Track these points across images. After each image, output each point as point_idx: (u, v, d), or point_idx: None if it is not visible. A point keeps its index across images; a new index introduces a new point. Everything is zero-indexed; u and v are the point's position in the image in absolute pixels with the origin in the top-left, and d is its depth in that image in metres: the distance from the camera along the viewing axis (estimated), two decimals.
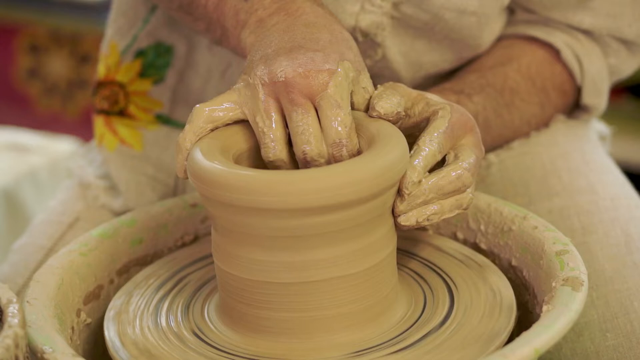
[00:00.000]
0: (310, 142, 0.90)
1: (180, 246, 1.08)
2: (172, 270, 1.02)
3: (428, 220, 0.92)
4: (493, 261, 1.01)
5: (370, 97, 0.95)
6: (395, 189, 0.90)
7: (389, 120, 0.93)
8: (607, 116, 1.36)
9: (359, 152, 0.91)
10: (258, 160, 0.94)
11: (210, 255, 0.95)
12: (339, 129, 0.90)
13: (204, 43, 1.23)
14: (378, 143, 0.89)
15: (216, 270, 0.93)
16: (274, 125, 0.91)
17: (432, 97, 0.96)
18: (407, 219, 0.92)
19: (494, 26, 1.20)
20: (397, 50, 1.17)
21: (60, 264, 0.98)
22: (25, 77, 3.42)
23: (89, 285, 1.00)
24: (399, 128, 0.93)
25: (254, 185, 0.85)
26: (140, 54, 1.25)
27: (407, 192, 0.91)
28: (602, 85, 1.22)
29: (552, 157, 1.21)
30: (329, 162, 0.91)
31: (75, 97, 3.38)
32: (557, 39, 1.20)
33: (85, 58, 3.32)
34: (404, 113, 0.94)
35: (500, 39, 1.22)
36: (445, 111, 0.94)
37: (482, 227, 1.03)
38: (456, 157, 0.93)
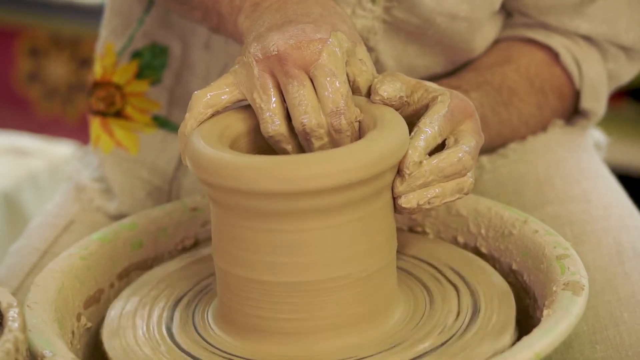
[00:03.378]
0: (307, 113, 0.89)
1: (181, 250, 1.08)
2: (172, 275, 1.02)
3: (429, 203, 0.91)
4: (493, 265, 1.01)
5: (371, 83, 0.94)
6: (394, 170, 0.90)
7: (391, 106, 0.92)
8: (607, 120, 1.36)
9: (359, 132, 0.91)
10: (260, 141, 0.94)
11: (210, 259, 0.95)
12: (335, 97, 0.89)
13: (199, 43, 1.23)
14: (379, 127, 0.89)
15: (216, 271, 0.93)
16: (271, 100, 0.91)
17: (430, 84, 0.95)
18: (408, 201, 0.91)
19: (487, 30, 1.19)
20: (389, 54, 1.17)
21: (61, 267, 0.98)
22: (26, 80, 3.43)
23: (89, 289, 1.00)
24: None
25: (250, 171, 0.85)
26: (136, 55, 1.25)
27: (407, 172, 0.89)
28: (601, 89, 1.22)
29: (546, 165, 1.20)
30: (328, 132, 0.90)
31: (75, 100, 3.38)
32: (556, 42, 1.20)
33: (86, 61, 3.32)
34: (406, 98, 0.94)
35: (499, 40, 1.22)
36: (445, 96, 0.93)
37: (483, 231, 1.03)
38: (456, 141, 0.92)
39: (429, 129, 0.91)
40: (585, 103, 1.22)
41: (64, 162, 2.25)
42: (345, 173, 0.85)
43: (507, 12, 1.22)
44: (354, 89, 0.94)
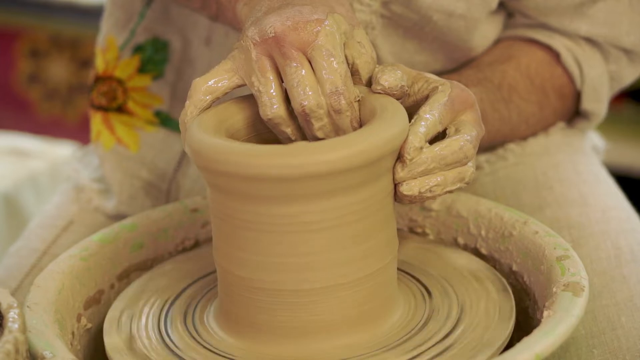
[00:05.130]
0: (306, 94, 0.89)
1: (181, 251, 1.08)
2: (172, 275, 1.02)
3: (430, 191, 0.90)
4: (493, 266, 1.01)
5: (370, 65, 0.94)
6: (394, 156, 0.89)
7: (393, 95, 0.92)
8: (607, 122, 1.36)
9: (360, 120, 0.91)
10: (260, 128, 0.94)
11: (211, 259, 0.95)
12: (334, 77, 0.89)
13: (199, 39, 1.23)
14: (380, 115, 0.89)
15: (217, 271, 0.93)
16: (269, 83, 0.91)
17: (431, 75, 0.95)
18: (410, 189, 0.90)
19: (487, 30, 1.19)
20: (388, 50, 1.17)
21: (61, 268, 0.98)
22: (26, 81, 3.43)
23: (89, 290, 1.00)
24: None
25: (247, 157, 0.85)
26: (138, 49, 1.25)
27: (408, 157, 0.89)
28: (602, 91, 1.22)
29: (544, 168, 1.20)
30: (328, 113, 0.90)
31: (76, 101, 3.38)
32: (558, 42, 1.19)
33: (86, 63, 3.32)
34: (407, 88, 0.94)
35: (500, 39, 1.22)
36: (446, 86, 0.93)
37: (483, 232, 1.03)
38: (457, 130, 0.92)
39: (430, 116, 0.91)
40: (586, 104, 1.22)
41: (64, 163, 2.24)
42: (345, 159, 0.84)
43: (508, 13, 1.22)
44: (353, 72, 0.94)
